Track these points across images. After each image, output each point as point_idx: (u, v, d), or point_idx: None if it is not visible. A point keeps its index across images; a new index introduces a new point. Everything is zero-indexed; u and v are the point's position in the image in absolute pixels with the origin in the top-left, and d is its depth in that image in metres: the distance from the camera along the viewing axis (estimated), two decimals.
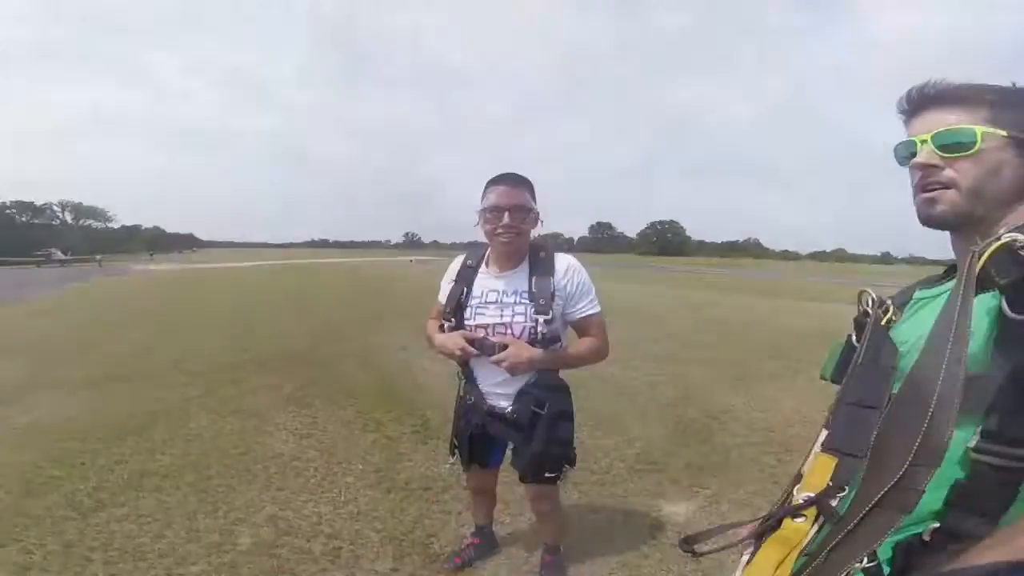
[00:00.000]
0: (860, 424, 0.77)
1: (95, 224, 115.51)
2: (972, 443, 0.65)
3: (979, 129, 0.81)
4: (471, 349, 1.92)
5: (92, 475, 3.48)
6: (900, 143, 0.91)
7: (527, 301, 1.91)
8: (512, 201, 1.88)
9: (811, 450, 0.83)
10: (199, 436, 4.17)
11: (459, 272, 2.08)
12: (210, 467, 3.58)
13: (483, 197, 1.94)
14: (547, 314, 1.88)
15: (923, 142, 0.86)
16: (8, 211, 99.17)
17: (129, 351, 7.58)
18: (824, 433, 0.83)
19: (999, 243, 0.68)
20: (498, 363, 1.88)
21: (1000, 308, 0.66)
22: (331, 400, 5.07)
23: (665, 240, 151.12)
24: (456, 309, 2.00)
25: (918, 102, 0.89)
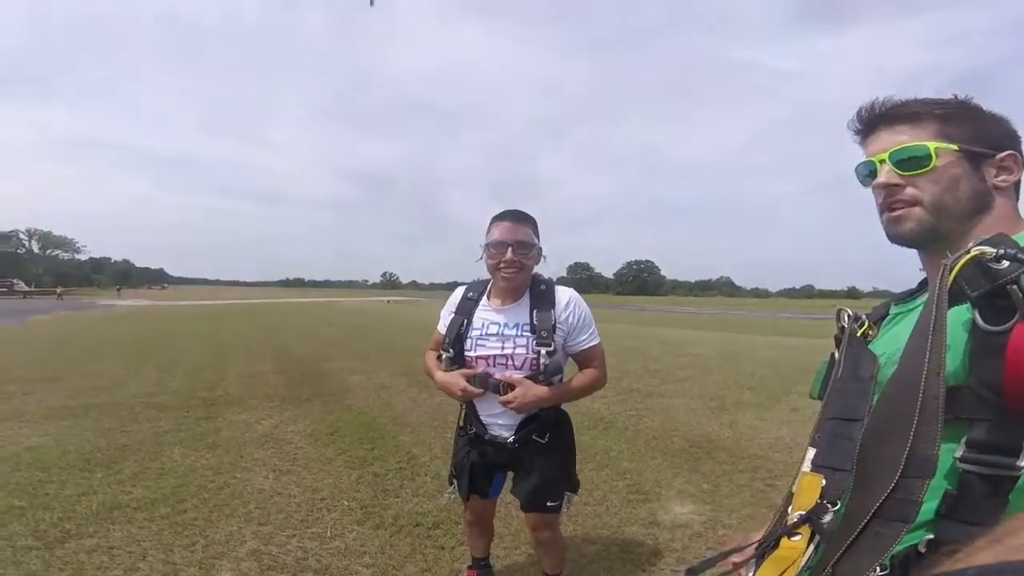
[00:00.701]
0: (844, 438, 0.77)
1: (63, 255, 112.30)
2: (958, 453, 0.66)
3: (932, 145, 0.83)
4: (473, 390, 1.92)
5: (57, 505, 3.29)
6: (860, 163, 0.92)
7: (528, 333, 1.92)
8: (515, 237, 1.91)
9: (799, 469, 0.83)
10: (172, 470, 3.98)
11: (459, 304, 2.08)
12: (185, 501, 3.40)
13: (487, 232, 1.97)
14: (549, 346, 1.90)
15: (881, 162, 0.87)
16: None
17: (96, 384, 7.29)
18: (811, 451, 0.82)
19: (968, 256, 0.68)
20: (506, 404, 1.88)
21: (974, 320, 0.67)
22: (311, 437, 4.91)
23: (641, 280, 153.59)
24: (456, 340, 2.00)
25: (869, 121, 0.91)
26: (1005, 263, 0.64)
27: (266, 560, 2.71)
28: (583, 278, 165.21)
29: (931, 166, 0.83)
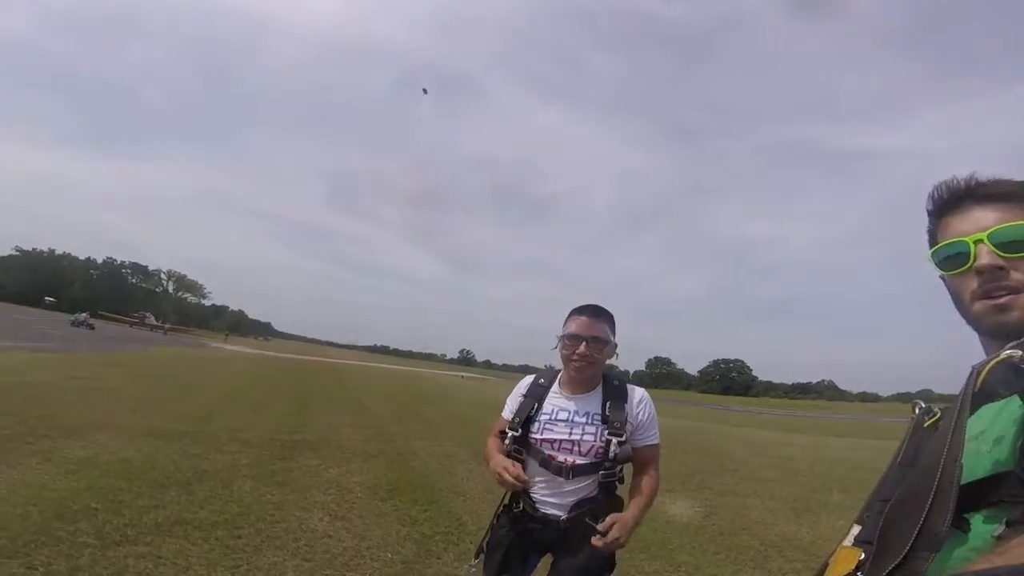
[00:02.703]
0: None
1: (191, 298, 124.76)
2: (998, 532, 0.65)
3: None
4: (523, 477, 1.88)
5: (127, 512, 3.51)
6: (945, 244, 0.83)
7: (599, 423, 1.93)
8: (591, 332, 1.95)
9: (839, 543, 0.83)
10: (239, 499, 4.15)
11: (530, 388, 2.12)
12: (242, 528, 3.53)
13: (565, 324, 2.02)
14: (621, 436, 1.90)
15: (977, 242, 0.78)
16: (124, 270, 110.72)
17: (192, 414, 7.88)
18: (856, 528, 0.82)
19: (999, 359, 0.69)
20: (608, 540, 1.77)
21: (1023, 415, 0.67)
22: (371, 490, 4.98)
23: (729, 379, 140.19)
24: (524, 422, 2.01)
25: (954, 199, 0.84)
26: None
27: None
28: (662, 373, 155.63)
29: None
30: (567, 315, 2.04)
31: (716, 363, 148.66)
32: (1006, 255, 0.77)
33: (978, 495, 0.66)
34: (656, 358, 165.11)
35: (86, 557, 2.81)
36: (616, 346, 2.02)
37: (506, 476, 1.88)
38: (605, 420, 1.92)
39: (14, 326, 28.33)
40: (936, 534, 0.63)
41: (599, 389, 2.01)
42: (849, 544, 0.80)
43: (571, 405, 1.99)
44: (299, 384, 16.71)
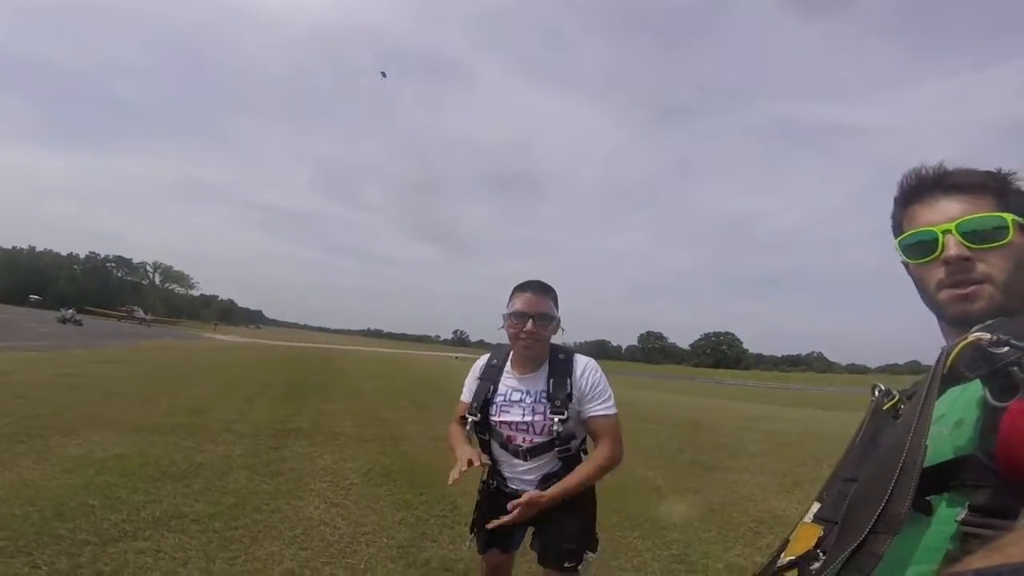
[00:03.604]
0: (844, 497, 0.77)
1: (178, 289, 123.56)
2: (960, 516, 0.66)
3: (1010, 217, 0.77)
4: (456, 478, 1.87)
5: (124, 508, 3.57)
6: (913, 232, 0.84)
7: (545, 401, 1.95)
8: (537, 309, 1.96)
9: (800, 520, 0.83)
10: (235, 491, 4.21)
11: (484, 370, 2.14)
12: (239, 519, 3.59)
13: (509, 302, 2.01)
14: (562, 414, 1.93)
15: (945, 232, 0.79)
16: (108, 264, 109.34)
17: (185, 407, 7.89)
18: (816, 506, 0.83)
19: (966, 341, 0.68)
20: (517, 516, 1.85)
21: (985, 397, 0.67)
22: (366, 476, 5.05)
23: (720, 353, 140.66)
24: (483, 405, 2.06)
25: (920, 189, 0.85)
26: (1005, 348, 0.65)
27: None
28: (655, 348, 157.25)
29: (1007, 239, 0.77)
30: (511, 292, 2.04)
31: (707, 336, 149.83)
32: (973, 246, 0.78)
33: (941, 478, 0.67)
34: (648, 333, 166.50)
35: (87, 554, 2.88)
36: (560, 321, 2.03)
37: (455, 474, 1.87)
38: (550, 398, 1.95)
39: (0, 325, 28.00)
40: (895, 516, 0.64)
41: (546, 366, 2.03)
42: (809, 521, 0.81)
43: (522, 385, 2.03)
44: (291, 372, 16.70)
